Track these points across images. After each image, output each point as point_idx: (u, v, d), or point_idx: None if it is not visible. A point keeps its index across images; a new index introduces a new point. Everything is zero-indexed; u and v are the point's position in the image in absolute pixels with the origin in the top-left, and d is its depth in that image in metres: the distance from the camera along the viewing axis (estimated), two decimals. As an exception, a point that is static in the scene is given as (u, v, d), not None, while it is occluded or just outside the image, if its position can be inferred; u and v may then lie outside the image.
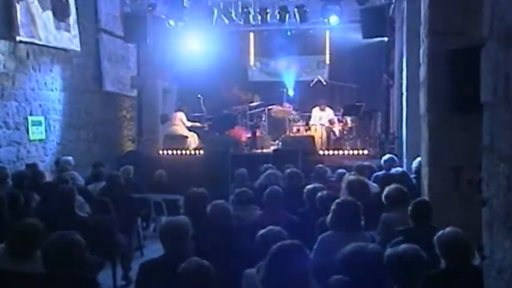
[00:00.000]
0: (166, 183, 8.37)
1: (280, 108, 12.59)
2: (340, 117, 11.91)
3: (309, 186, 5.43)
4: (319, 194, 4.98)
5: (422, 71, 5.57)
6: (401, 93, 9.55)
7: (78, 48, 9.65)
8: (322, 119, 11.97)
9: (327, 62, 14.18)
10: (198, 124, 12.14)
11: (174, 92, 13.96)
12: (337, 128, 11.89)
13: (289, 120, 12.41)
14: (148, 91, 12.40)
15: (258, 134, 12.02)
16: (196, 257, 3.14)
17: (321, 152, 10.84)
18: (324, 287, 3.17)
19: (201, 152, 11.02)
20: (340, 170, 7.10)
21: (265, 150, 11.43)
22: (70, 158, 8.40)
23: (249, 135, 11.92)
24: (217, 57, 13.16)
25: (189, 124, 11.91)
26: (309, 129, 11.85)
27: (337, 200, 4.19)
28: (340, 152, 10.85)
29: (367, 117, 11.91)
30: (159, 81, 13.13)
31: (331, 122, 11.83)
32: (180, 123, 11.76)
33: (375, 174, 6.97)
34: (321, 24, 11.74)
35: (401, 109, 9.70)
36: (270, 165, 7.49)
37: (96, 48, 10.70)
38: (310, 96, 13.26)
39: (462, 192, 4.95)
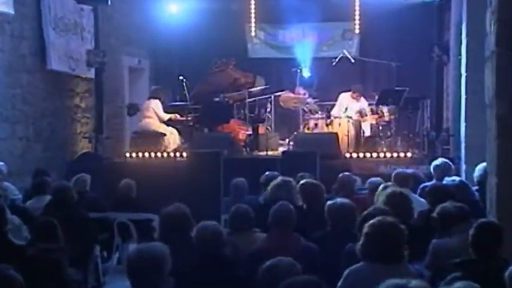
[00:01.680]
0: (136, 197, 8.41)
1: (291, 95, 12.54)
2: (374, 107, 11.92)
3: (331, 202, 5.48)
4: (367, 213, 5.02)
5: (490, 43, 5.53)
6: (460, 74, 9.61)
7: (11, 11, 9.51)
8: (349, 109, 12.03)
9: (356, 31, 13.99)
10: (179, 117, 12.22)
11: (147, 73, 13.86)
12: (369, 122, 11.92)
13: (304, 111, 12.37)
14: (111, 71, 12.28)
15: (261, 130, 12.10)
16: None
17: (347, 155, 10.96)
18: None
19: (184, 154, 11.17)
20: (373, 179, 7.23)
21: (271, 153, 11.53)
22: (1, 163, 8.38)
23: (249, 131, 11.99)
24: (205, 26, 13.08)
25: (167, 117, 12.00)
26: (331, 123, 11.90)
27: (371, 221, 4.25)
28: (374, 155, 10.97)
29: (411, 107, 11.80)
30: (125, 58, 12.97)
31: (361, 113, 11.87)
32: (155, 116, 11.87)
33: (422, 186, 7.07)
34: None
35: (459, 96, 9.75)
36: (276, 173, 7.57)
37: (37, 11, 10.54)
38: (332, 78, 13.15)
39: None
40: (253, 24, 14.53)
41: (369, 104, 12.13)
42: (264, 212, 5.41)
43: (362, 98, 12.30)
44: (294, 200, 5.99)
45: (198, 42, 13.21)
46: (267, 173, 7.61)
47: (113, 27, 12.46)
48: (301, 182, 6.55)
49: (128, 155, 11.59)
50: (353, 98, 12.20)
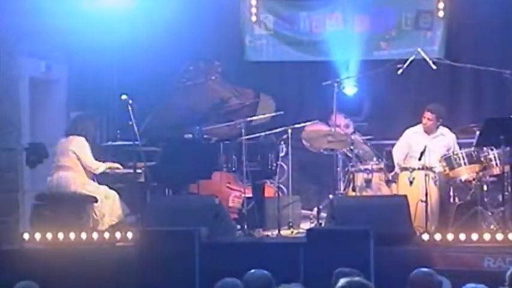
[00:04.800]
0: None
1: (323, 128, 10.89)
2: (472, 151, 10.09)
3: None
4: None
5: None
6: None
7: None
8: (428, 154, 10.11)
9: (441, 14, 11.93)
10: (120, 168, 10.50)
11: (62, 88, 12.08)
12: (464, 177, 10.14)
13: (348, 157, 10.73)
14: (-1, 83, 10.73)
15: (269, 191, 10.94)
16: None
17: (424, 237, 9.36)
18: None
19: (129, 235, 9.87)
20: (472, 285, 5.98)
21: (287, 232, 10.25)
22: None
23: (248, 194, 10.50)
24: (170, 7, 11.17)
25: (100, 167, 10.31)
26: (396, 179, 10.33)
27: None
28: (474, 238, 9.33)
29: (540, 150, 10.17)
30: (25, 61, 11.19)
31: (449, 161, 10.15)
32: (78, 166, 10.23)
33: None
34: None
35: None
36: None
37: None
38: (397, 97, 11.79)
39: None
40: (254, 3, 12.20)
41: (463, 145, 10.42)
42: None
43: (445, 130, 10.45)
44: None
45: (156, 34, 11.05)
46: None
47: (3, 9, 10.55)
48: (341, 283, 5.24)
49: (26, 237, 9.80)
50: (427, 130, 10.38)
